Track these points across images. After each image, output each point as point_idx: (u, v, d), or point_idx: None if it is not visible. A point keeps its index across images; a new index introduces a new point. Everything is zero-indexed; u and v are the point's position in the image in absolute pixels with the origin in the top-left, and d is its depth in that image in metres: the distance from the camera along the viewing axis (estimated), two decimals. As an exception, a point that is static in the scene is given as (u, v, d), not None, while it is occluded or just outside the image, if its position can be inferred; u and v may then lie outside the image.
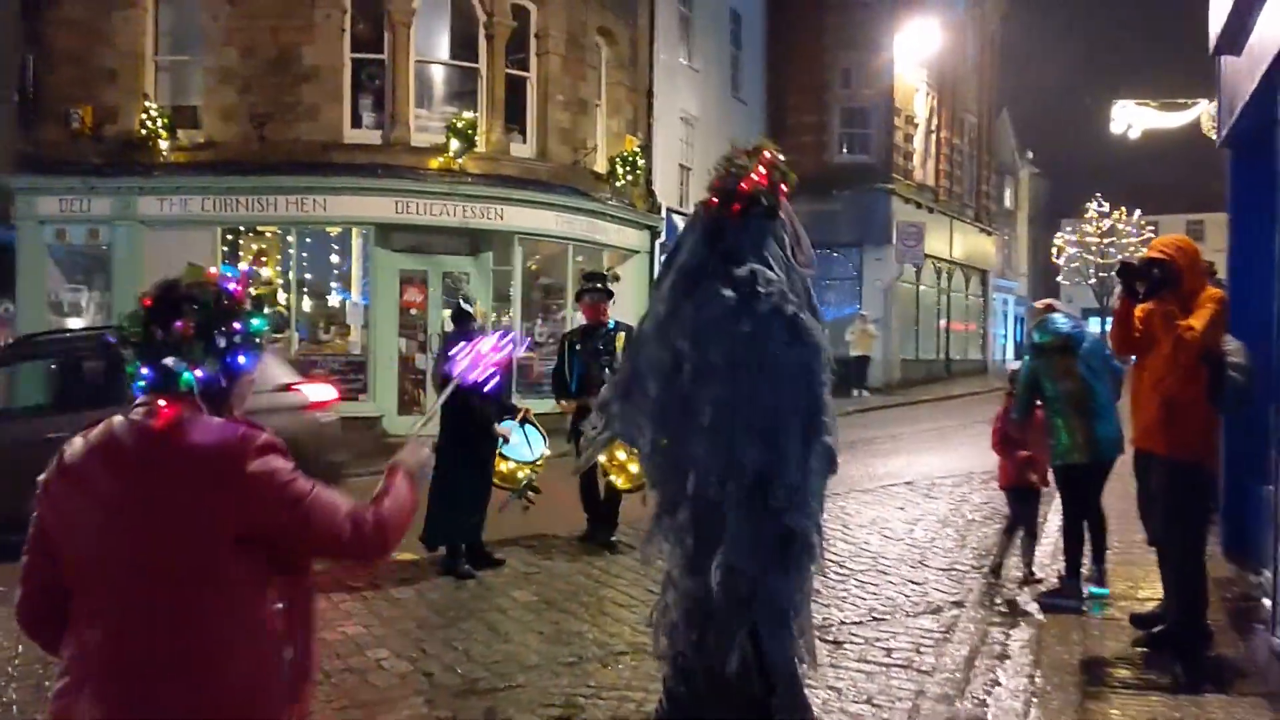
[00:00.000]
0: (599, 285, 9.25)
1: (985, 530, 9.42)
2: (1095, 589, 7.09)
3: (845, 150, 29.14)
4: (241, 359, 2.52)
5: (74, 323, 17.63)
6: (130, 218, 17.10)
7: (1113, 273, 6.67)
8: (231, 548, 2.36)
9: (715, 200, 4.08)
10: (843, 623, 6.66)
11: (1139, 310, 6.14)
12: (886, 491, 11.22)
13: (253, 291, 2.57)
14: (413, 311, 17.71)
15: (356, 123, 17.59)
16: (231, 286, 2.53)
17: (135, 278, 17.20)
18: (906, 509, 10.33)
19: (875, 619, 6.76)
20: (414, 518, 2.78)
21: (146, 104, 16.91)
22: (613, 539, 8.79)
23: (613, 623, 6.75)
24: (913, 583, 7.62)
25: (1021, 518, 7.75)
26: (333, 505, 2.52)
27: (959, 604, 7.09)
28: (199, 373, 2.45)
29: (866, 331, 26.03)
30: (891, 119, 28.95)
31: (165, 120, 16.82)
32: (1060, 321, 7.01)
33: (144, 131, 16.73)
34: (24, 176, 17.08)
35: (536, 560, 8.46)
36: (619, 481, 8.52)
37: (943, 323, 33.99)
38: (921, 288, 31.65)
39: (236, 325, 2.50)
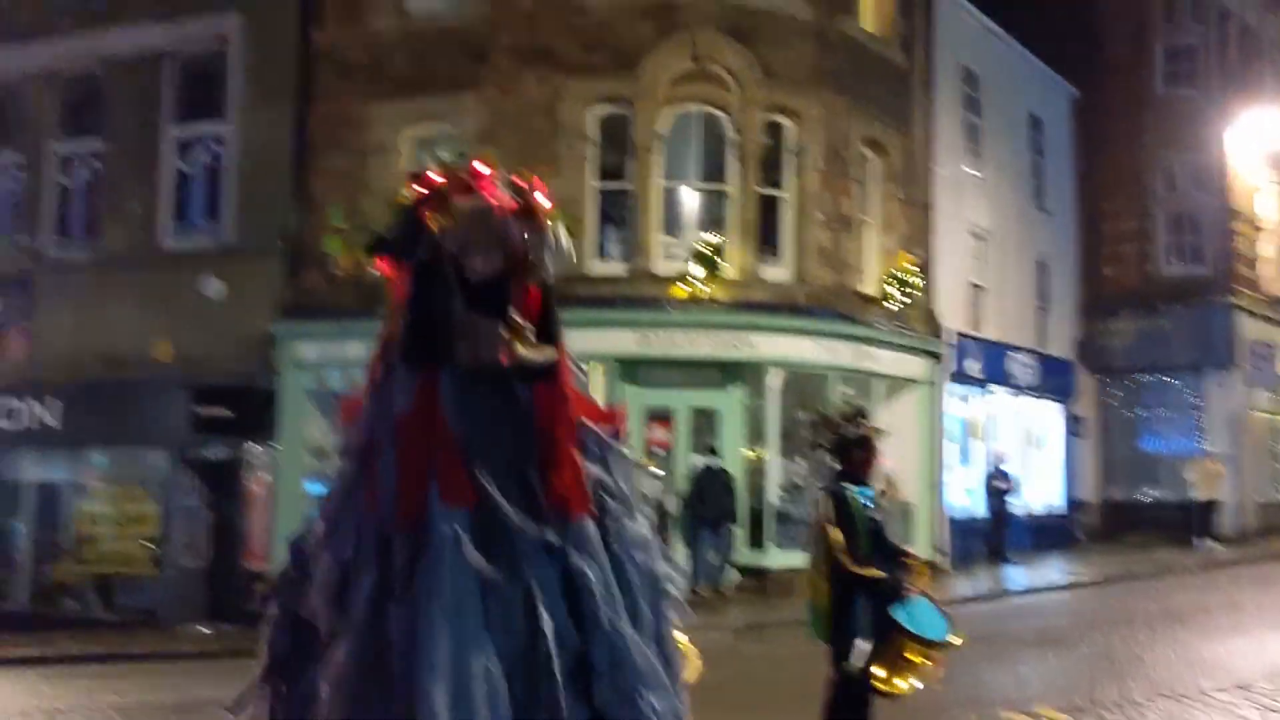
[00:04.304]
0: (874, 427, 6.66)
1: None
2: None
3: (1174, 260, 25.37)
4: None
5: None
6: (381, 360, 16.88)
7: None
8: None
9: None
10: None
11: None
12: (1207, 700, 8.20)
13: None
14: (659, 451, 16.27)
15: (601, 253, 16.74)
16: None
17: (387, 420, 16.94)
18: (1234, 732, 7.43)
19: None
20: None
21: (395, 246, 16.77)
22: None
23: None
24: None
25: None
26: None
27: None
28: None
29: (1212, 470, 22.31)
30: (1229, 223, 24.99)
31: (412, 261, 16.60)
32: None
33: (391, 273, 16.56)
34: (286, 323, 17.33)
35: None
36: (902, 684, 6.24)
37: (1313, 457, 28.71)
38: (1281, 416, 26.87)
39: None
